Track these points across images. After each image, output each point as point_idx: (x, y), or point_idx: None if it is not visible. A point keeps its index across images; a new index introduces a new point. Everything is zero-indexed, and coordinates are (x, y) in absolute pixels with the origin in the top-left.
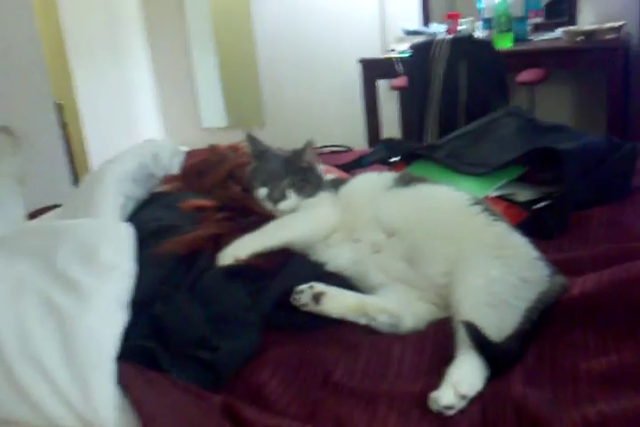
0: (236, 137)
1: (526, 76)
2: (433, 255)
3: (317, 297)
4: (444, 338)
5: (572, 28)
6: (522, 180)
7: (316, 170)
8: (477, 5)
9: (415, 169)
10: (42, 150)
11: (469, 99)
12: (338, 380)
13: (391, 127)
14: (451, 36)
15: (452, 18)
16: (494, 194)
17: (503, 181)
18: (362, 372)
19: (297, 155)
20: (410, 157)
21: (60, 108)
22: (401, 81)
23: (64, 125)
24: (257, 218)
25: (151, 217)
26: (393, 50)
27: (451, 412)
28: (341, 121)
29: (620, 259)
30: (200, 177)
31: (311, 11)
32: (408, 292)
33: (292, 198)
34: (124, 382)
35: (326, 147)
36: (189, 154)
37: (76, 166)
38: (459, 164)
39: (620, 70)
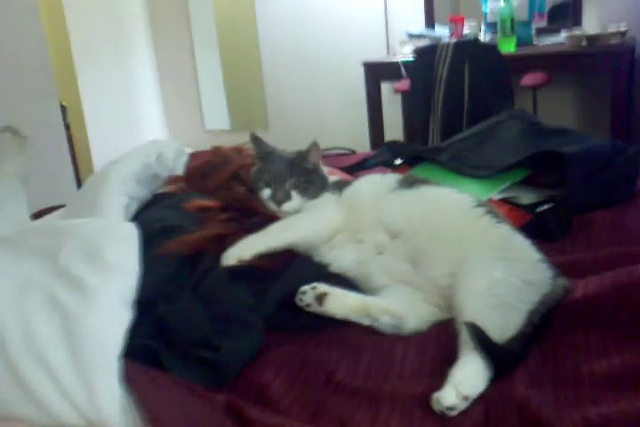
0: (240, 139)
1: (530, 79)
2: (436, 257)
3: (320, 298)
4: (446, 339)
5: (576, 32)
6: (525, 183)
7: (320, 171)
8: (482, 9)
9: (419, 171)
10: (46, 152)
11: (473, 102)
12: (340, 380)
13: (394, 130)
14: (455, 40)
15: (456, 21)
16: (497, 197)
17: (506, 184)
18: (364, 372)
19: (302, 156)
20: (413, 160)
21: (63, 110)
22: (405, 84)
23: (67, 127)
24: (261, 219)
25: (155, 217)
26: (397, 53)
27: (453, 413)
28: (345, 124)
29: (623, 262)
30: (204, 178)
31: (315, 13)
32: (411, 293)
33: (295, 199)
34: (128, 381)
35: (329, 150)
36: (193, 156)
37: (79, 168)
38: (462, 166)
39: (624, 75)
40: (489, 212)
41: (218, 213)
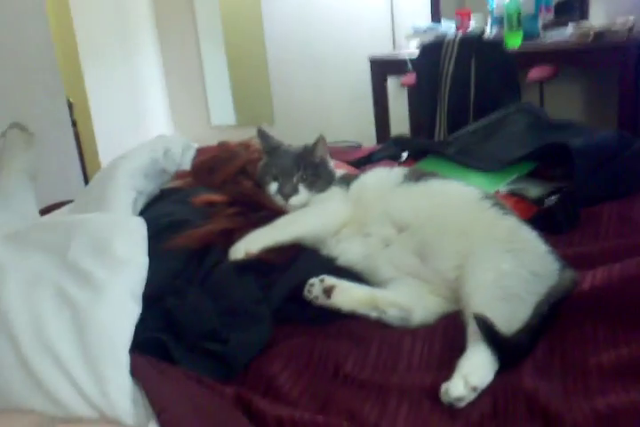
0: (245, 135)
1: (536, 73)
2: (443, 250)
3: (328, 290)
4: (454, 331)
5: (582, 26)
6: (532, 175)
7: (327, 165)
8: (489, 3)
9: (425, 165)
10: (54, 148)
11: (479, 97)
12: (349, 372)
13: (400, 124)
14: (460, 36)
15: (462, 15)
16: (504, 189)
17: (513, 177)
18: (372, 365)
19: (309, 150)
20: (420, 154)
21: (70, 107)
22: (411, 78)
23: (74, 123)
24: (268, 213)
25: (163, 212)
26: (403, 48)
27: (461, 404)
28: (350, 118)
29: (630, 254)
30: (211, 173)
31: (321, 8)
32: (418, 286)
33: (303, 193)
34: (137, 373)
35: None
36: (200, 151)
37: (86, 163)
38: (469, 159)
39: (631, 69)
40: (496, 204)
41: (225, 208)
